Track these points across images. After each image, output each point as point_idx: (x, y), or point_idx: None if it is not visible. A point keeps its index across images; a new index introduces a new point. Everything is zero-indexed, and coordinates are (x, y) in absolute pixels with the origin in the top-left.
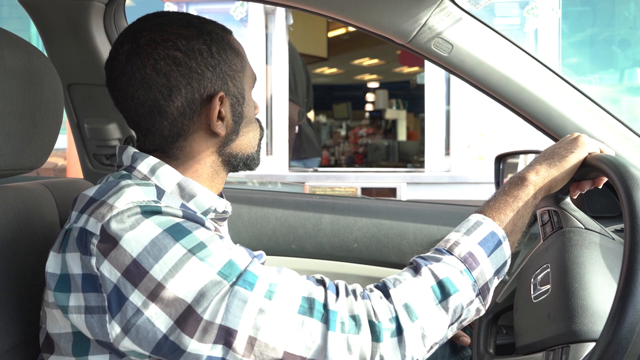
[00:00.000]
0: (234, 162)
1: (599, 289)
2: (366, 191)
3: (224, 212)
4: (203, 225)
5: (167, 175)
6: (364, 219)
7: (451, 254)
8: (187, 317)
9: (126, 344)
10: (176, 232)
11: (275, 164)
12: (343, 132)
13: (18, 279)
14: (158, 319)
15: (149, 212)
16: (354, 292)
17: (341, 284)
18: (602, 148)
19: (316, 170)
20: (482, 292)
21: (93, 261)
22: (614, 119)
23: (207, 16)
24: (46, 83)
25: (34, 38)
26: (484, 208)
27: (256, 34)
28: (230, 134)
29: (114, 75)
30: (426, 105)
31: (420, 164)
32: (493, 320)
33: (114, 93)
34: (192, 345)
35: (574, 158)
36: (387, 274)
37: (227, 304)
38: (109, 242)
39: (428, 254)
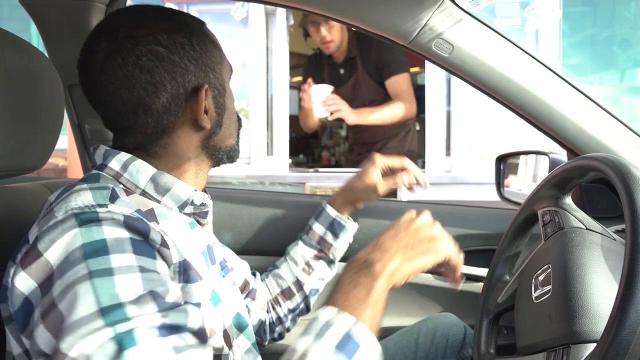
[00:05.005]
0: (218, 156)
1: (600, 290)
2: None
3: (202, 204)
4: (147, 235)
5: (140, 169)
6: (364, 219)
7: None
8: (56, 349)
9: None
10: (91, 249)
11: (275, 164)
12: (343, 133)
13: None
14: (44, 337)
15: (84, 220)
16: None
17: None
18: (454, 260)
19: (317, 171)
20: None
21: (13, 269)
22: (614, 119)
23: (207, 17)
24: (47, 84)
25: (34, 38)
26: (335, 301)
27: (257, 35)
28: (214, 127)
29: (91, 73)
30: (426, 106)
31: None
32: (494, 321)
33: (90, 92)
34: None
35: (427, 261)
36: None
37: (92, 352)
38: (34, 252)
39: None
